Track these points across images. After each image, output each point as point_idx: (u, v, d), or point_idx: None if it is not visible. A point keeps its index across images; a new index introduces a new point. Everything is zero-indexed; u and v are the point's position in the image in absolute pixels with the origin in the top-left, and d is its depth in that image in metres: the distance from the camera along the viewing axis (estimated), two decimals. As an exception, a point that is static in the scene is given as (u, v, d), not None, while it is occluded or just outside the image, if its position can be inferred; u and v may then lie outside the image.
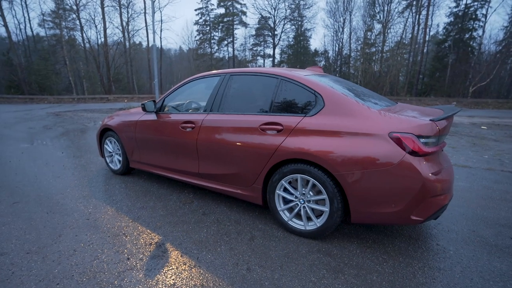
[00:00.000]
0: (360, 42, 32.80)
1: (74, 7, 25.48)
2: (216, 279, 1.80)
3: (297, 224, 2.30)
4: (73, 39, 28.94)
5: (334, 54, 36.70)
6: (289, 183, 2.29)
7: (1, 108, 14.89)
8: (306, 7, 35.38)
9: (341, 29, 34.81)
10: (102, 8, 25.42)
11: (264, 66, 39.99)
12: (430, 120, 1.91)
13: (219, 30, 38.89)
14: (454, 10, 28.59)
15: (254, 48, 39.73)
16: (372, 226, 2.48)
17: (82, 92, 28.55)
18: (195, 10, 37.92)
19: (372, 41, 32.01)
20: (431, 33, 33.49)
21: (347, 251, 2.11)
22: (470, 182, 3.67)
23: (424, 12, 27.80)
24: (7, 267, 1.87)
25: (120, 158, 3.80)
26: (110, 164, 4.00)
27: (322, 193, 2.10)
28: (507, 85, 32.24)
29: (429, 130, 1.87)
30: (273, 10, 34.97)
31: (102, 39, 26.83)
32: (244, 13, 37.75)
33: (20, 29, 28.99)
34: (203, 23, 38.67)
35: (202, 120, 2.75)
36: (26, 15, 30.63)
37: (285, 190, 2.32)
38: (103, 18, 25.84)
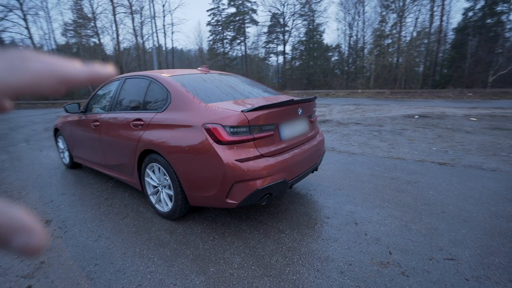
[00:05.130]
0: (374, 34, 31.74)
1: (90, 15, 27.27)
2: (63, 244, 2.24)
3: (160, 206, 2.67)
4: (97, 45, 30.84)
5: (347, 48, 35.85)
6: (153, 172, 2.65)
7: (29, 112, 16.50)
8: (317, 1, 34.81)
9: (354, 22, 33.93)
10: (114, 15, 26.98)
11: (277, 63, 39.87)
12: (241, 111, 2.12)
13: (231, 30, 39.44)
14: (474, -6, 26.77)
15: (267, 46, 39.83)
16: (231, 212, 2.76)
17: (101, 96, 30.52)
18: (207, 11, 38.77)
19: (387, 32, 30.84)
20: (456, 21, 31.44)
21: (190, 231, 2.43)
22: (373, 171, 3.75)
23: (439, -1, 26.30)
24: None
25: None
26: (62, 159, 4.58)
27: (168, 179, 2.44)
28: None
29: (235, 120, 2.06)
30: (282, 6, 34.88)
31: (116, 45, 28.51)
32: (255, 11, 37.95)
33: (45, 40, 31.56)
34: (215, 23, 39.42)
35: (103, 118, 3.18)
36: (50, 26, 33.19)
37: (151, 177, 2.68)
38: (115, 24, 27.43)
